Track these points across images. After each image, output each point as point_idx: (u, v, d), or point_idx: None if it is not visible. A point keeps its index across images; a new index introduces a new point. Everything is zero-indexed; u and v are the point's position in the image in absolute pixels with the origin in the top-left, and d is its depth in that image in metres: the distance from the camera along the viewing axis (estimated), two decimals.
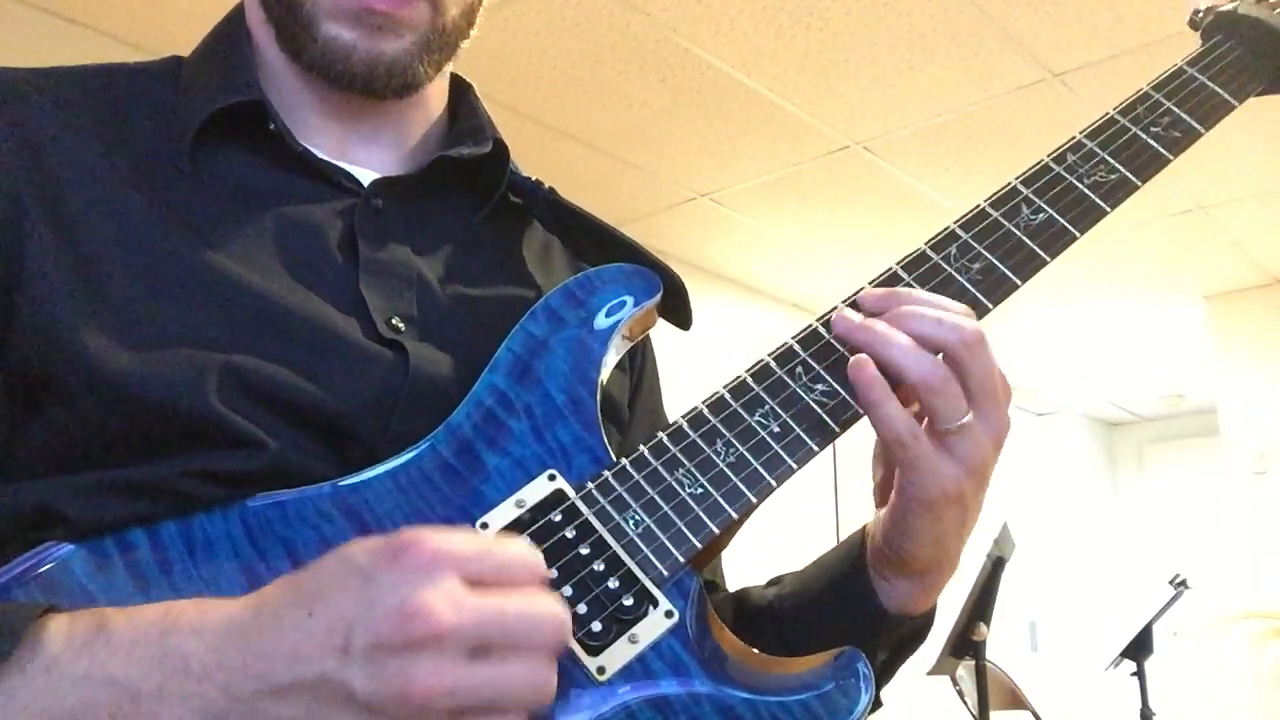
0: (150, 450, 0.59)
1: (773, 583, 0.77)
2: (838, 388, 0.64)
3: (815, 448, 0.63)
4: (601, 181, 3.55)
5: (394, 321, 0.67)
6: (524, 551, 0.50)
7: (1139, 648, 3.02)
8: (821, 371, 0.65)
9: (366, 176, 0.73)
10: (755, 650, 0.62)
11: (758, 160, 3.42)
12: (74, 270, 0.62)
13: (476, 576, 0.48)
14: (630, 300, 0.69)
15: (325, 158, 0.73)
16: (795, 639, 0.69)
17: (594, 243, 0.77)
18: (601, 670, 0.56)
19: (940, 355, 0.62)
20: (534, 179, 0.80)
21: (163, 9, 2.61)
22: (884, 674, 0.71)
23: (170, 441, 0.59)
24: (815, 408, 0.64)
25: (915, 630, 0.70)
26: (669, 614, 0.59)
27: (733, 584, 0.84)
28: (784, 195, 3.68)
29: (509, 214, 0.80)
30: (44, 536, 0.56)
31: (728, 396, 0.65)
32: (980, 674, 2.48)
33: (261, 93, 0.71)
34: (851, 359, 0.62)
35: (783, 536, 4.10)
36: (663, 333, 0.78)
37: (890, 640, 0.69)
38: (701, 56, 2.82)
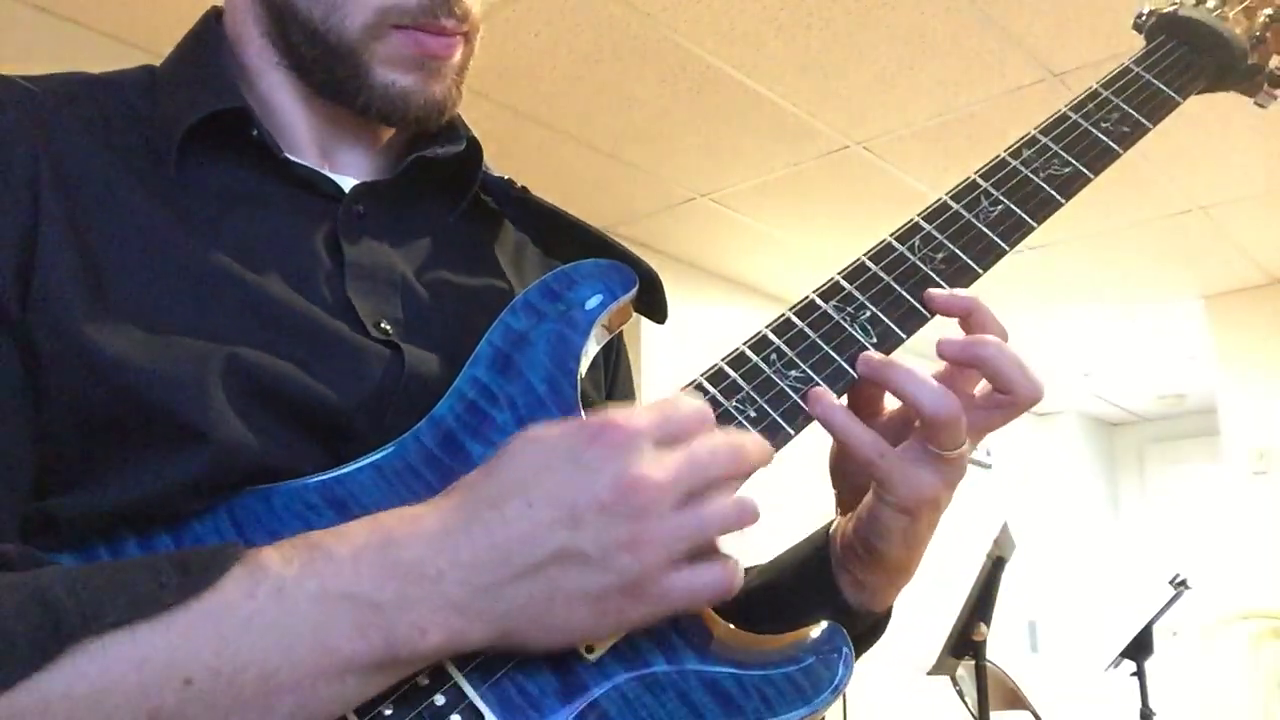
0: (145, 449, 0.59)
1: None
2: (810, 373, 0.67)
3: (791, 432, 0.65)
4: (601, 181, 3.55)
5: (383, 325, 0.68)
6: (690, 406, 0.58)
7: (1139, 648, 3.02)
8: (794, 358, 0.67)
9: (347, 182, 0.75)
10: (736, 627, 0.63)
11: (758, 160, 3.43)
12: (80, 264, 0.63)
13: (664, 438, 0.55)
14: (607, 295, 0.70)
15: (307, 164, 0.74)
16: (761, 629, 0.71)
17: (565, 239, 0.78)
18: (590, 650, 0.57)
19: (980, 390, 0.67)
20: (506, 177, 0.81)
21: (163, 9, 2.61)
22: None
23: (162, 439, 0.59)
24: (790, 393, 0.66)
25: (872, 626, 0.73)
26: None
27: None
28: (784, 195, 3.68)
29: (482, 213, 0.82)
30: (40, 542, 0.56)
31: (705, 384, 0.66)
32: (980, 674, 2.49)
33: (244, 100, 0.72)
34: (811, 391, 0.66)
35: (782, 537, 4.10)
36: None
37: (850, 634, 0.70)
38: (701, 56, 2.82)
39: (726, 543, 0.82)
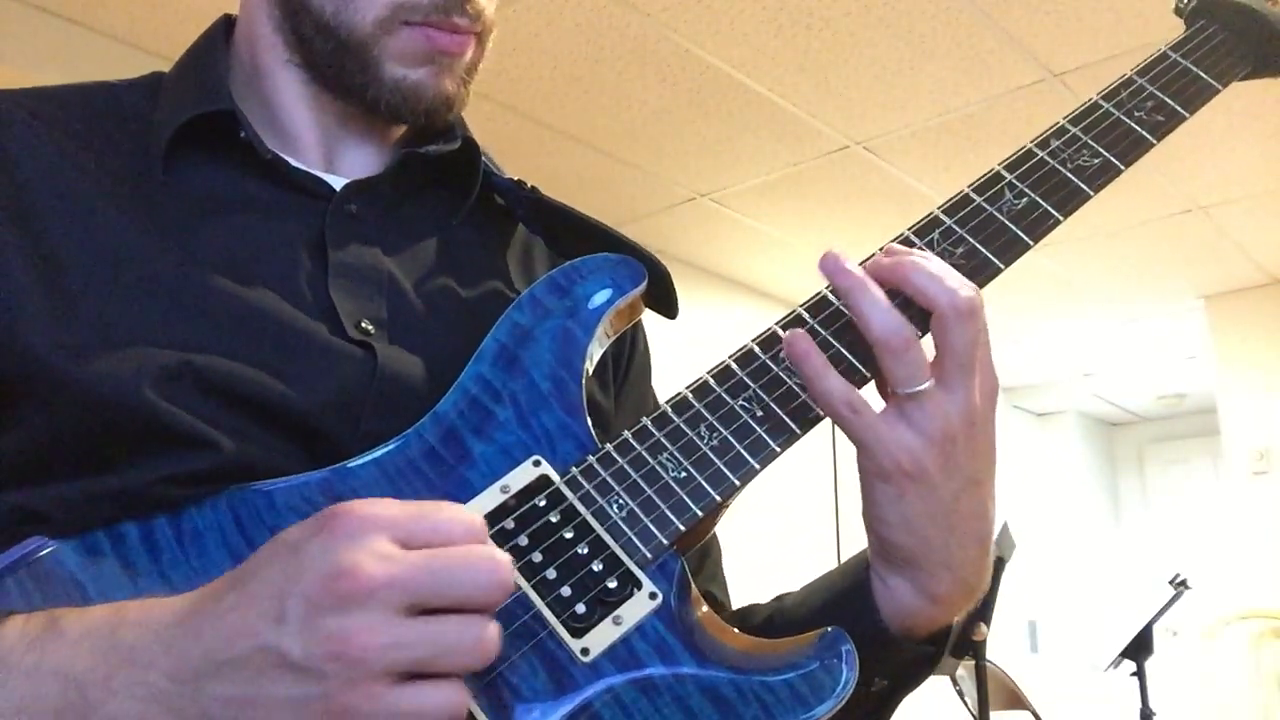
0: (112, 453, 0.59)
1: (777, 599, 0.76)
2: None
3: (798, 431, 0.63)
4: (601, 181, 3.55)
5: (363, 325, 0.68)
6: (460, 513, 0.50)
7: (1139, 648, 3.01)
8: None
9: (341, 182, 0.74)
10: (738, 631, 0.62)
11: (758, 160, 3.42)
12: (39, 273, 0.63)
13: (409, 537, 0.48)
14: (615, 289, 0.70)
15: (299, 165, 0.74)
16: None
17: (578, 237, 0.78)
18: (585, 651, 0.56)
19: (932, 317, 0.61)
20: (516, 179, 0.81)
21: (163, 9, 2.61)
22: (883, 706, 0.69)
23: (124, 443, 0.59)
24: (799, 391, 0.64)
25: (918, 658, 0.68)
26: (653, 596, 0.59)
27: (732, 587, 0.84)
28: (784, 195, 3.68)
29: (491, 216, 0.81)
30: (30, 531, 0.57)
31: (711, 382, 0.65)
32: (980, 674, 2.48)
33: (233, 103, 0.72)
34: (787, 334, 0.63)
35: (783, 541, 4.10)
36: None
37: (891, 665, 0.66)
38: (701, 56, 2.82)
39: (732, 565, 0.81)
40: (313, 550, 0.46)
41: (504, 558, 0.48)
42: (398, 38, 0.70)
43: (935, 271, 0.61)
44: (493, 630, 0.48)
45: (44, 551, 0.56)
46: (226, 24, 0.79)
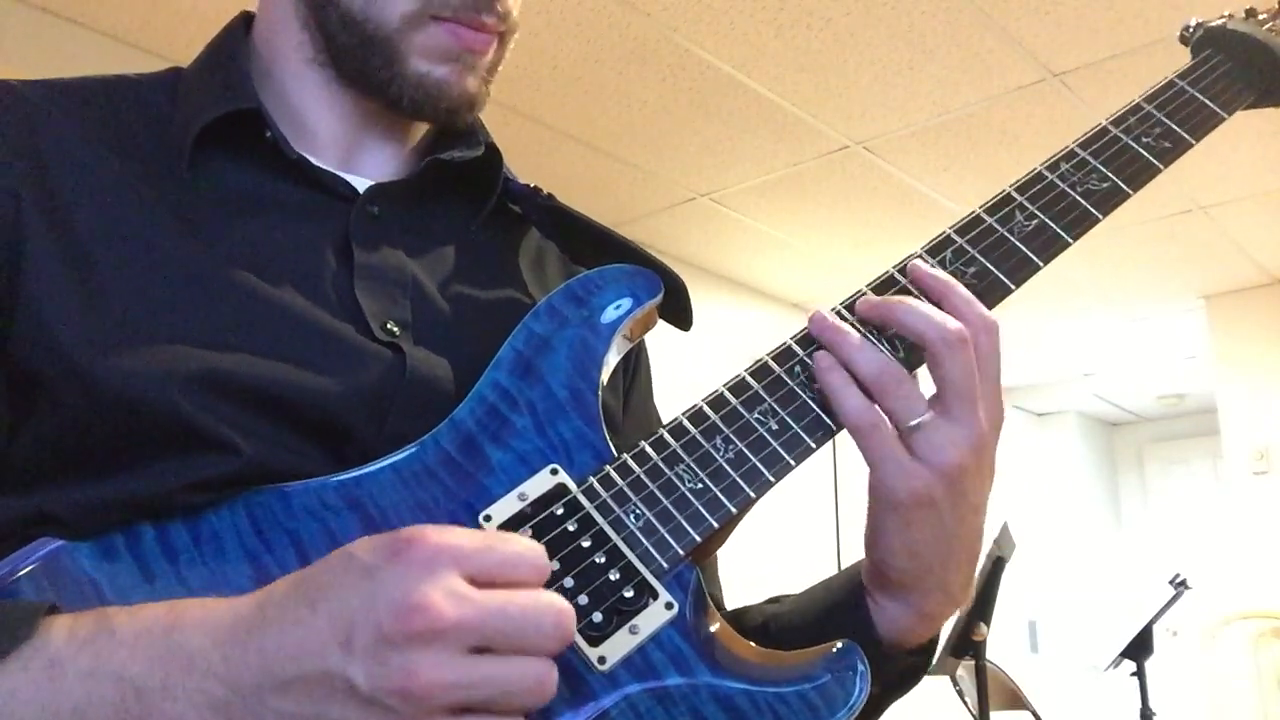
0: (131, 454, 0.59)
1: (773, 601, 0.77)
2: None
3: (813, 445, 0.64)
4: (601, 181, 3.55)
5: (389, 326, 0.68)
6: (527, 548, 0.50)
7: (1139, 648, 3.02)
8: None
9: (363, 184, 0.74)
10: (752, 643, 0.63)
11: (758, 160, 3.43)
12: (69, 268, 0.63)
13: (479, 572, 0.48)
14: (632, 300, 0.70)
15: (323, 165, 0.73)
16: None
17: (592, 246, 0.78)
18: (603, 660, 0.57)
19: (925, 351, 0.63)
20: (531, 185, 0.81)
21: (163, 9, 2.61)
22: (873, 711, 0.69)
23: (146, 443, 0.59)
24: (813, 405, 0.65)
25: (909, 668, 0.70)
26: (669, 605, 0.59)
27: (733, 592, 0.84)
28: (784, 195, 3.68)
29: (506, 220, 0.81)
30: (42, 534, 0.56)
31: (727, 394, 0.66)
32: (980, 674, 2.48)
33: (259, 101, 0.72)
34: (814, 349, 0.65)
35: (783, 545, 4.10)
36: (664, 333, 0.78)
37: (882, 674, 0.67)
38: (701, 56, 2.82)
39: (731, 566, 0.81)
40: (386, 578, 0.47)
41: (567, 608, 0.49)
42: (425, 33, 0.70)
43: (922, 309, 0.64)
44: (552, 674, 0.49)
45: (59, 551, 0.55)
46: (246, 20, 0.79)
